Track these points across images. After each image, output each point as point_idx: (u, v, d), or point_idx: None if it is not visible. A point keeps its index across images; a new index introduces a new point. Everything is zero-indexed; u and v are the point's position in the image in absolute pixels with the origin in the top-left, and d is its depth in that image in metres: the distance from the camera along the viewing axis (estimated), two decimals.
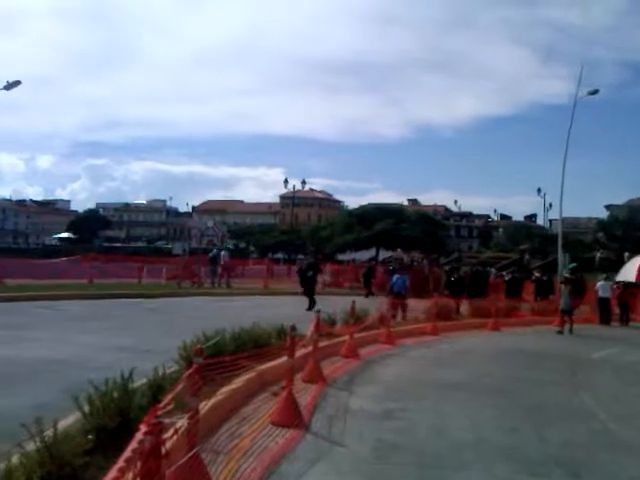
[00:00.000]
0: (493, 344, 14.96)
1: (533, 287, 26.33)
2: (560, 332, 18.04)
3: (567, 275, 21.67)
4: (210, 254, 28.93)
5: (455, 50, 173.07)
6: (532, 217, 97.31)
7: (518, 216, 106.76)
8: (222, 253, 28.47)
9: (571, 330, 18.24)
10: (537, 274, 28.03)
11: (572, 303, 19.24)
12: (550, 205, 64.78)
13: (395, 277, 18.50)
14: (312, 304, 18.10)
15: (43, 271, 25.34)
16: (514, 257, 45.85)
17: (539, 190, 63.63)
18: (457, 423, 7.17)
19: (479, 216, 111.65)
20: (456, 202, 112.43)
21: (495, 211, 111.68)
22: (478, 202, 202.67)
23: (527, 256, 47.80)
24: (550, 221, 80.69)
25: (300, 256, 29.53)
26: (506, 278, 27.24)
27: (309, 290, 20.02)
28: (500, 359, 12.94)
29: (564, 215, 35.27)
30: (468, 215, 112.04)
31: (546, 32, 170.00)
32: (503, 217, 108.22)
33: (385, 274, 27.88)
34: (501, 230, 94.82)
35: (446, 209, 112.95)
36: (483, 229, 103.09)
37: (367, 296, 26.08)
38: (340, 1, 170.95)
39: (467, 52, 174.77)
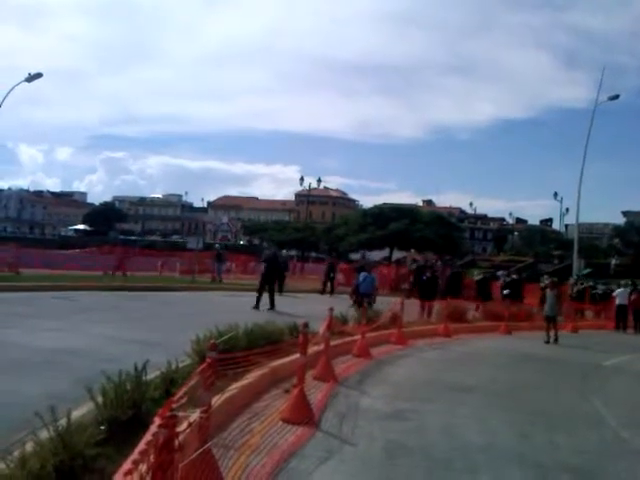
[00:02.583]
0: (505, 348, 14.88)
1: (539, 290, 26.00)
2: (547, 342, 16.50)
3: (553, 279, 20.08)
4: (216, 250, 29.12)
5: (475, 53, 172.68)
6: (548, 221, 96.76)
7: (534, 220, 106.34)
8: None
9: (556, 339, 16.63)
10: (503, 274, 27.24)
11: (558, 309, 17.82)
12: (567, 210, 64.38)
13: (362, 276, 17.09)
14: (259, 301, 16.54)
15: (58, 262, 25.55)
16: (528, 261, 45.53)
17: (556, 194, 63.24)
18: (467, 426, 7.14)
19: (494, 219, 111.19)
20: (471, 204, 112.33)
21: (510, 214, 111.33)
22: (494, 205, 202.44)
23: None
24: (566, 226, 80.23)
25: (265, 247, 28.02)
26: (506, 279, 26.83)
27: (265, 286, 17.12)
28: (511, 363, 12.88)
29: (580, 220, 35.06)
30: (483, 218, 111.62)
31: (568, 37, 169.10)
32: (518, 221, 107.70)
33: (352, 272, 26.94)
34: (516, 234, 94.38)
35: (461, 211, 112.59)
36: (498, 232, 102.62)
37: (322, 293, 25.29)
38: (360, 2, 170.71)
39: (487, 55, 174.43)
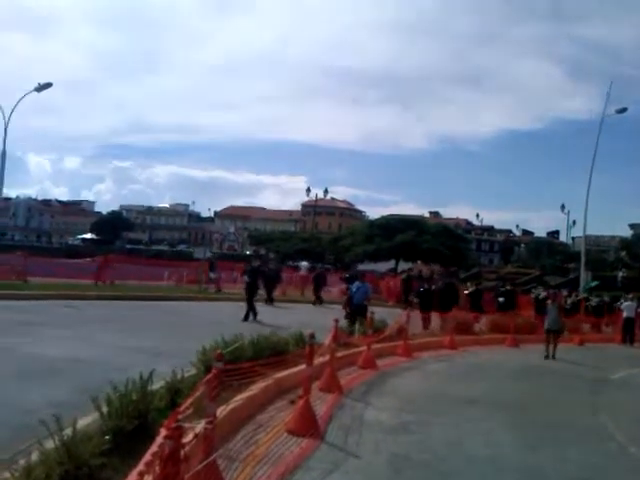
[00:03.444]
0: (511, 360, 14.81)
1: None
2: (546, 357, 15.63)
3: (555, 291, 19.49)
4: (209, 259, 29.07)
5: (482, 64, 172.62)
6: (555, 234, 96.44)
7: (540, 232, 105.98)
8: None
9: (554, 355, 15.69)
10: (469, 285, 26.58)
11: (561, 322, 16.81)
12: (574, 222, 64.30)
13: (355, 286, 15.96)
14: (248, 313, 16.54)
15: (65, 270, 25.60)
16: (535, 273, 45.40)
17: (563, 207, 63.09)
18: (474, 439, 7.11)
19: (501, 231, 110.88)
20: (478, 216, 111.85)
21: (517, 226, 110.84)
22: (500, 217, 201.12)
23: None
24: (573, 238, 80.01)
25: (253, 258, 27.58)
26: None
27: (247, 298, 17.17)
28: (518, 376, 12.82)
29: (587, 233, 34.96)
30: (490, 229, 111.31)
31: (575, 48, 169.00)
32: (525, 233, 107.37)
33: (343, 282, 26.33)
34: (523, 246, 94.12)
35: (468, 222, 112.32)
36: (504, 244, 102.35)
37: (315, 303, 25.03)
38: (368, 12, 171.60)
39: (494, 66, 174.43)
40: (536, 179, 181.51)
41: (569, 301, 26.58)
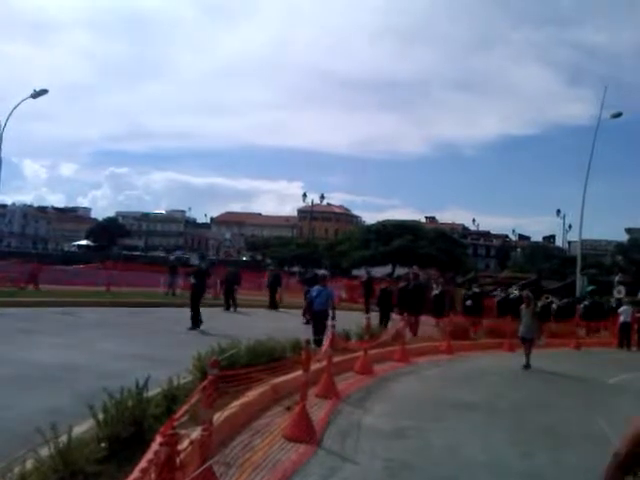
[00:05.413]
0: (508, 365, 14.79)
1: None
2: (526, 366, 14.27)
3: (527, 293, 17.37)
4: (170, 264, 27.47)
5: (479, 69, 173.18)
6: (551, 238, 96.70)
7: (537, 237, 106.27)
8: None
9: (528, 363, 14.29)
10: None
11: (535, 329, 15.20)
12: (569, 226, 64.33)
13: (315, 290, 13.58)
14: (195, 320, 15.09)
15: (61, 277, 25.55)
16: (531, 277, 45.49)
17: (558, 211, 63.30)
18: (471, 444, 7.10)
19: (497, 236, 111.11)
20: (474, 221, 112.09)
21: (513, 231, 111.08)
22: (496, 222, 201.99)
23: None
24: (569, 242, 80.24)
25: (177, 255, 25.62)
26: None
27: (192, 303, 15.56)
28: (515, 381, 12.81)
29: (584, 237, 35.06)
30: (486, 234, 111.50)
31: (573, 54, 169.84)
32: (521, 237, 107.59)
33: (300, 284, 24.34)
34: (519, 250, 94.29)
35: (464, 227, 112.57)
36: (501, 249, 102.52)
37: (270, 307, 23.19)
38: (365, 18, 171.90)
39: (492, 71, 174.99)
40: (533, 184, 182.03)
41: (539, 304, 26.04)
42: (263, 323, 17.32)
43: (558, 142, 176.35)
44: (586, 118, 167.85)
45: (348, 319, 14.21)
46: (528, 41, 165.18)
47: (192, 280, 16.34)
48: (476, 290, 25.10)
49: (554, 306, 26.82)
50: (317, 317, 13.00)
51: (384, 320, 17.78)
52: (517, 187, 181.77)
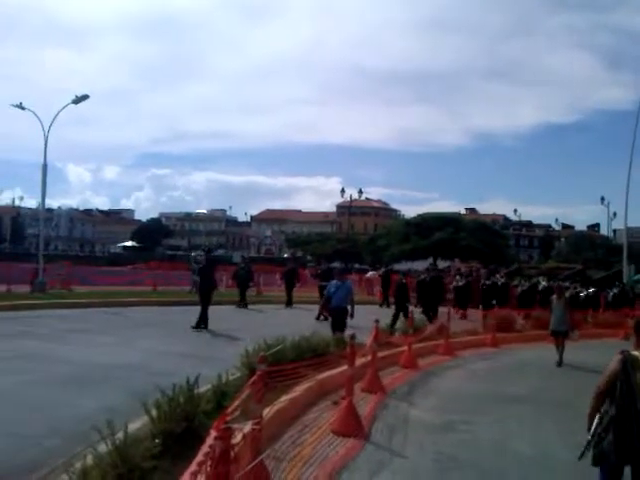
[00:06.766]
0: (553, 357, 14.55)
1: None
2: (559, 364, 13.35)
3: (559, 283, 16.88)
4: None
5: (516, 57, 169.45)
6: (595, 227, 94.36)
7: (581, 226, 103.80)
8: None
9: (561, 360, 13.40)
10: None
11: (569, 321, 14.04)
12: (614, 214, 62.62)
13: (333, 285, 12.77)
14: (204, 320, 14.31)
15: (108, 278, 26.22)
16: (577, 268, 44.46)
17: (602, 199, 61.61)
18: (519, 437, 7.04)
19: (540, 226, 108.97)
20: (516, 211, 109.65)
21: (557, 220, 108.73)
22: (539, 211, 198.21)
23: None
24: (614, 231, 78.07)
25: (197, 252, 23.72)
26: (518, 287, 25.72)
27: (201, 302, 14.60)
28: (562, 373, 12.61)
29: (629, 224, 34.20)
30: (528, 225, 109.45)
31: (612, 38, 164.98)
32: (565, 227, 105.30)
33: (316, 279, 23.07)
34: (563, 240, 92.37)
35: (505, 218, 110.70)
36: (544, 239, 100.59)
37: (287, 305, 22.39)
38: (398, 11, 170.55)
39: (529, 59, 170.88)
40: (575, 172, 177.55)
41: (567, 294, 25.15)
42: (274, 320, 17.27)
43: (600, 128, 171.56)
44: (628, 102, 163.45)
45: (366, 312, 14.19)
46: (565, 27, 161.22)
47: (195, 277, 14.82)
48: (466, 280, 24.44)
49: (582, 295, 25.89)
50: (336, 313, 12.34)
51: (400, 312, 17.01)
52: (559, 175, 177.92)
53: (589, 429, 4.02)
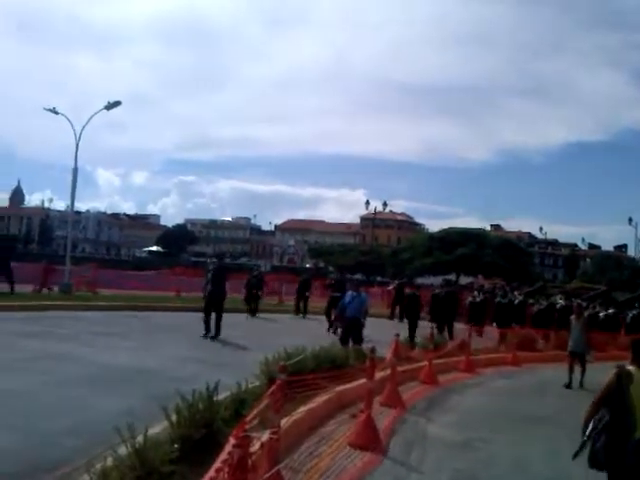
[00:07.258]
0: (577, 378, 14.34)
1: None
2: (568, 386, 13.05)
3: (578, 302, 16.09)
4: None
5: (547, 75, 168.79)
6: (622, 247, 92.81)
7: (607, 246, 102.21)
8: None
9: (581, 383, 13.14)
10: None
11: (586, 342, 13.83)
12: None
13: (348, 296, 12.82)
14: (217, 328, 13.92)
15: (133, 282, 26.50)
16: (601, 289, 43.71)
17: (630, 220, 60.72)
18: (538, 458, 6.97)
19: (566, 245, 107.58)
20: (541, 229, 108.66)
21: (583, 240, 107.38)
22: (565, 230, 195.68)
23: None
24: None
25: (212, 260, 22.91)
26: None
27: (215, 310, 14.04)
28: (584, 394, 12.40)
29: None
30: (554, 243, 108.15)
31: None
32: (591, 246, 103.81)
33: (328, 290, 22.46)
34: (588, 260, 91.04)
35: (530, 236, 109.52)
36: (569, 258, 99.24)
37: (296, 313, 22.48)
38: (428, 24, 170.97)
39: (559, 77, 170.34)
40: (603, 192, 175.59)
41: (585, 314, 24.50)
42: (287, 330, 17.14)
43: (629, 147, 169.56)
44: None
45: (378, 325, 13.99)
46: (597, 46, 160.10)
47: (209, 287, 14.15)
48: (518, 298, 23.97)
49: (601, 315, 25.34)
50: (350, 325, 12.34)
51: (411, 327, 17.00)
52: (587, 194, 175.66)
53: (584, 432, 4.66)
